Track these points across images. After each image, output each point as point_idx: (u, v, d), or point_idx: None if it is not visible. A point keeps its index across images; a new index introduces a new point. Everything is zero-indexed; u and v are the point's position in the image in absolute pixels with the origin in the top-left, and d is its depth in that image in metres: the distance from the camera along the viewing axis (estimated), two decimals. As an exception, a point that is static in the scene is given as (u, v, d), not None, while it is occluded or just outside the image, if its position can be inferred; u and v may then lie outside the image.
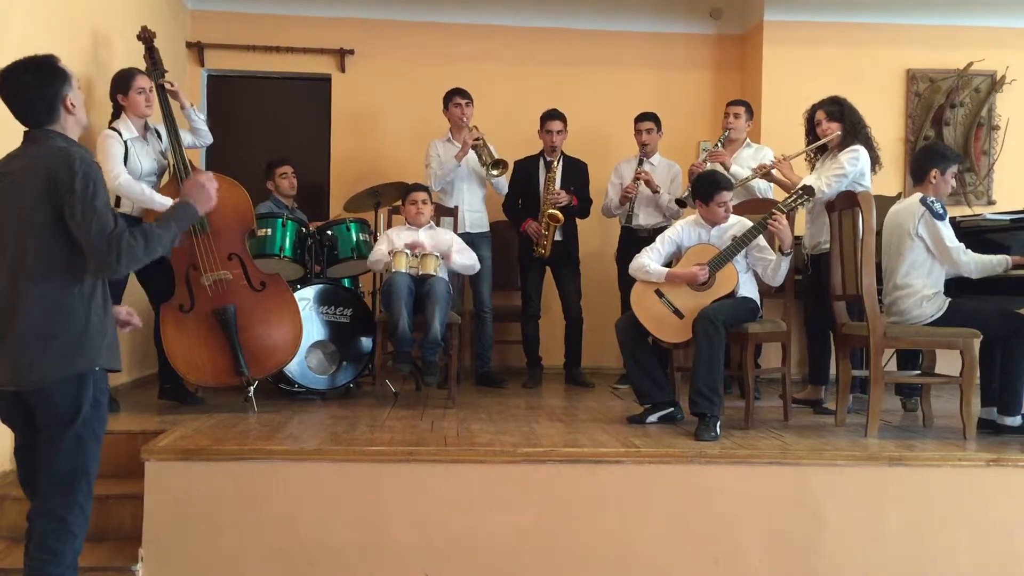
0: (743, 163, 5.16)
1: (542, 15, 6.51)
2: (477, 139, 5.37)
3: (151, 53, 4.57)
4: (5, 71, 2.54)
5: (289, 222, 4.91)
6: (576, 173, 5.61)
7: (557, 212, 5.39)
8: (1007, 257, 3.96)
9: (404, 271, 4.60)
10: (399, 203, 5.16)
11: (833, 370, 4.42)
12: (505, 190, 5.63)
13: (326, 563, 3.42)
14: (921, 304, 3.98)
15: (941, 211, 3.97)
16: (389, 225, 5.28)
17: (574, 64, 6.52)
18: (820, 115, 4.67)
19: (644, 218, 5.51)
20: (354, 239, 5.04)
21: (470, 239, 5.31)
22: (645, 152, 5.58)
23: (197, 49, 6.28)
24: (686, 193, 5.15)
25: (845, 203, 4.16)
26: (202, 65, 6.32)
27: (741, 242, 4.13)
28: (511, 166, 5.58)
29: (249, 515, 3.41)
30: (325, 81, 6.45)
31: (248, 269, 4.41)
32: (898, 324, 4.01)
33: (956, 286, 4.12)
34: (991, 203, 6.33)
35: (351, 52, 6.40)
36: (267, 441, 3.64)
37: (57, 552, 2.50)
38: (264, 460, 3.47)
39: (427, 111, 5.79)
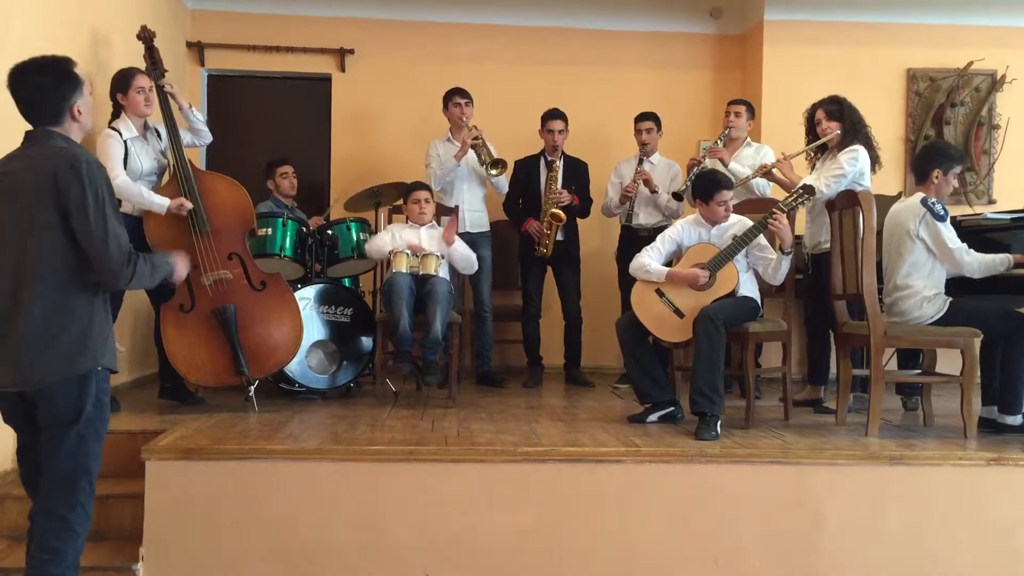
0: (744, 162, 5.16)
1: (542, 15, 6.51)
2: (476, 139, 5.37)
3: (151, 53, 4.56)
4: (18, 68, 2.53)
5: (290, 221, 4.91)
6: (576, 173, 5.60)
7: (560, 212, 5.39)
8: (1009, 256, 3.96)
9: (405, 271, 4.60)
10: (399, 202, 5.16)
11: (833, 369, 4.42)
12: (505, 189, 5.62)
13: (326, 562, 3.42)
14: (921, 305, 3.98)
15: (942, 212, 3.96)
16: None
17: (574, 64, 6.52)
18: (820, 114, 4.67)
19: (644, 217, 5.51)
20: (354, 238, 5.04)
21: (470, 239, 5.31)
22: (645, 152, 5.58)
23: (197, 49, 6.28)
24: (683, 187, 5.15)
25: (846, 202, 4.16)
26: (202, 65, 6.32)
27: (741, 241, 4.13)
28: (511, 166, 5.58)
29: (249, 515, 3.41)
30: (325, 81, 6.45)
31: (248, 269, 4.41)
32: (898, 324, 4.01)
33: (956, 285, 4.12)
34: (991, 202, 6.33)
35: (351, 52, 6.40)
36: (267, 441, 3.64)
37: (59, 551, 2.50)
38: (264, 460, 3.47)
39: (427, 111, 5.79)
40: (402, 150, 6.18)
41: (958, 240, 3.96)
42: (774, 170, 4.82)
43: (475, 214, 5.59)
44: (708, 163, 5.11)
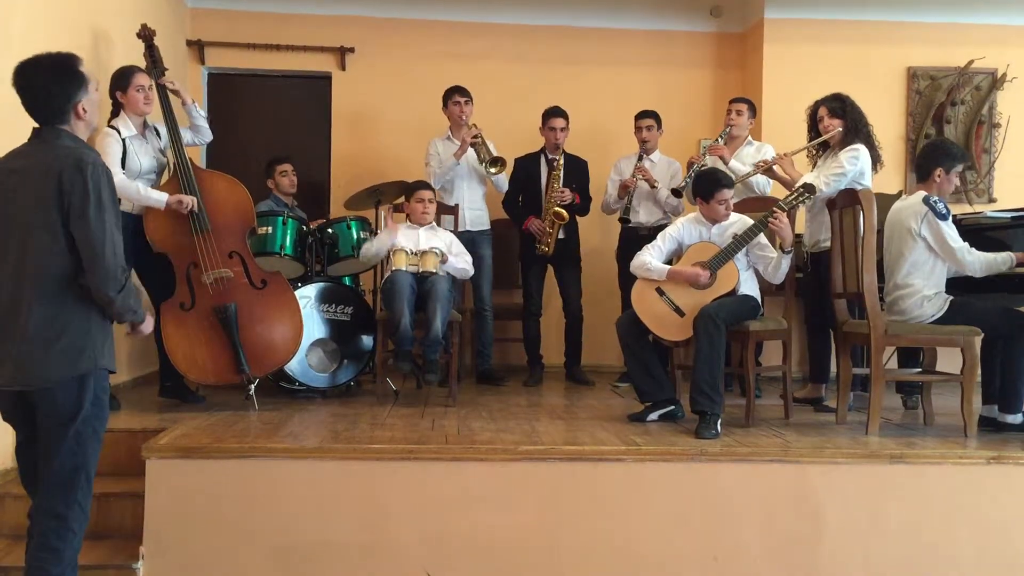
0: (745, 161, 5.15)
1: (542, 13, 6.51)
2: (475, 137, 5.37)
3: (151, 51, 4.57)
4: (23, 64, 2.53)
5: (290, 220, 4.91)
6: (576, 171, 5.60)
7: (562, 210, 5.38)
8: (1011, 255, 3.95)
9: (405, 269, 4.60)
10: (400, 201, 5.16)
11: (834, 368, 4.42)
12: (505, 187, 5.62)
13: (327, 561, 3.42)
14: (922, 304, 3.98)
15: (944, 211, 3.96)
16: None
17: (575, 62, 6.51)
18: (822, 111, 4.67)
19: (644, 215, 5.50)
20: (355, 237, 5.03)
21: (470, 237, 5.31)
22: (645, 149, 5.58)
23: (197, 47, 6.28)
24: (683, 184, 5.15)
25: (846, 201, 4.16)
26: (202, 63, 6.32)
27: (742, 240, 4.13)
28: (510, 164, 5.58)
29: (250, 513, 3.42)
30: (325, 79, 6.44)
31: (249, 267, 4.41)
32: (899, 322, 4.01)
33: (957, 285, 4.12)
34: (992, 201, 6.32)
35: (351, 50, 6.39)
36: (268, 439, 3.64)
37: (57, 550, 2.50)
38: (265, 458, 3.47)
39: (427, 109, 5.79)
40: (402, 149, 6.17)
41: (960, 239, 3.95)
42: (775, 167, 4.82)
43: (475, 212, 5.59)
44: (708, 161, 5.11)
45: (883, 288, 4.13)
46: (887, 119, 6.13)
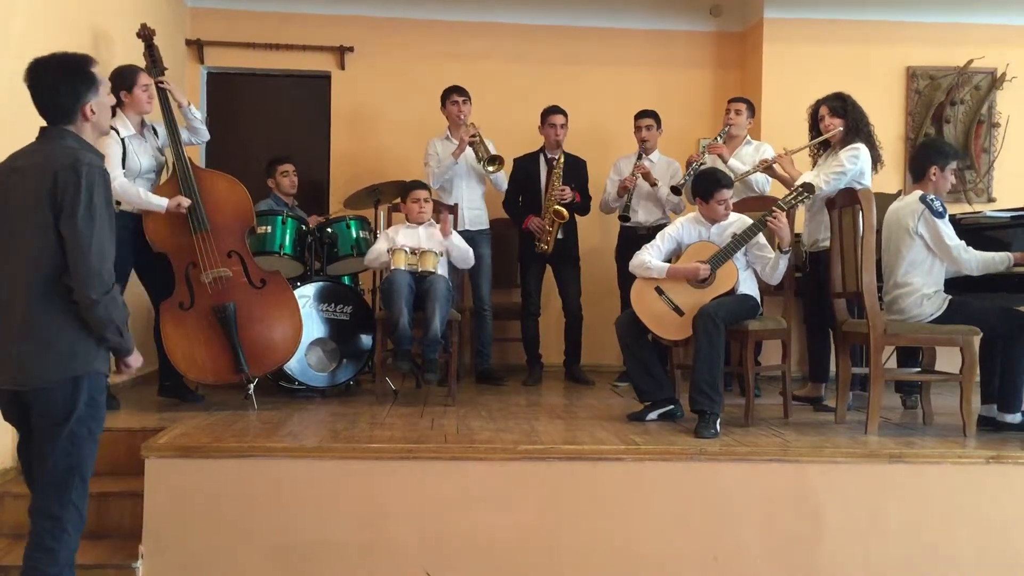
0: (744, 160, 5.15)
1: (542, 13, 6.50)
2: (473, 136, 5.37)
3: (151, 51, 4.56)
4: (35, 62, 2.52)
5: (289, 219, 4.91)
6: (576, 170, 5.60)
7: (562, 209, 5.38)
8: (1009, 255, 3.95)
9: (404, 269, 4.60)
10: (398, 201, 5.16)
11: (833, 367, 4.42)
12: (504, 186, 5.62)
13: (326, 560, 3.42)
14: (921, 303, 3.98)
15: (941, 209, 3.96)
16: (389, 223, 5.28)
17: (574, 62, 6.51)
18: (823, 111, 4.67)
19: (643, 215, 5.51)
20: (354, 236, 5.04)
21: (469, 236, 5.31)
22: (645, 149, 5.58)
23: (197, 46, 6.27)
24: (682, 182, 5.15)
25: (845, 200, 4.16)
26: (202, 62, 6.32)
27: (741, 239, 4.13)
28: (509, 164, 5.58)
29: (249, 512, 3.42)
30: (325, 79, 6.44)
31: (248, 266, 4.41)
32: (898, 322, 4.01)
33: (956, 285, 4.12)
34: (991, 200, 6.33)
35: (351, 50, 6.39)
36: (267, 438, 3.64)
37: (52, 551, 2.50)
38: (264, 457, 3.47)
39: (427, 109, 5.78)
40: (402, 148, 6.17)
41: (956, 237, 3.96)
42: (775, 165, 4.82)
43: (474, 212, 5.59)
44: (707, 159, 5.11)
45: (882, 288, 4.13)
46: (886, 119, 6.13)
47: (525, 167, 5.65)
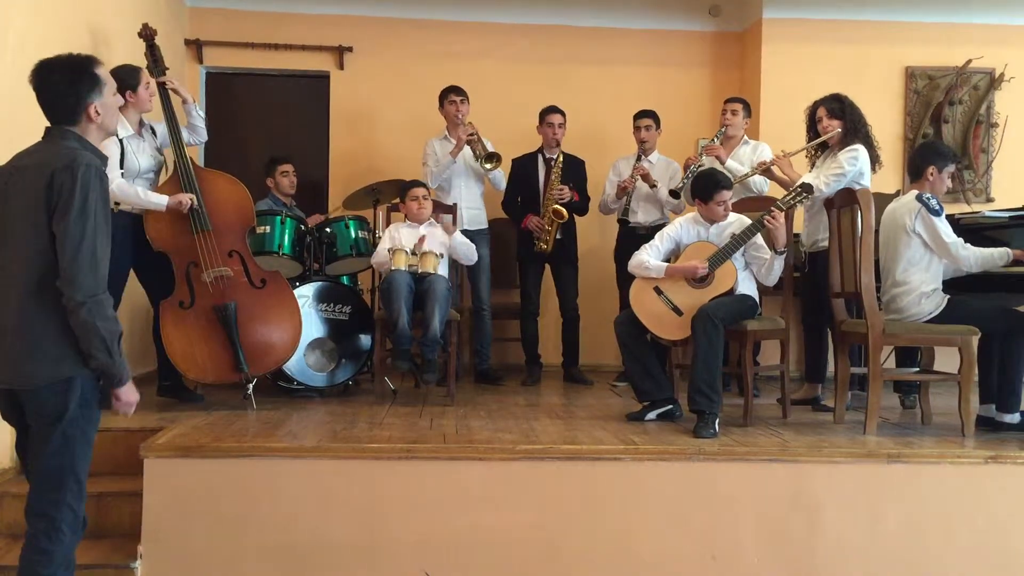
0: (741, 160, 5.15)
1: (541, 12, 6.51)
2: (471, 134, 5.37)
3: (152, 51, 4.56)
4: (41, 63, 2.52)
5: (288, 219, 4.91)
6: (574, 170, 5.61)
7: (561, 208, 5.38)
8: (1008, 250, 3.95)
9: (403, 269, 4.60)
10: (397, 200, 5.16)
11: (831, 367, 4.42)
12: (503, 186, 5.62)
13: (325, 560, 3.42)
14: (919, 301, 3.98)
15: (937, 207, 3.97)
16: (388, 222, 5.27)
17: (573, 61, 6.52)
18: (821, 112, 4.67)
19: (642, 215, 5.51)
20: (353, 236, 5.04)
21: (468, 236, 5.30)
22: (644, 149, 5.59)
23: (196, 46, 6.28)
24: (681, 185, 5.15)
25: (844, 201, 4.17)
26: (201, 62, 6.32)
27: (740, 240, 4.14)
28: (507, 164, 5.57)
29: (248, 512, 3.42)
30: (324, 78, 6.45)
31: (248, 266, 4.41)
32: (897, 321, 4.02)
33: (954, 284, 4.12)
34: (990, 200, 6.33)
35: (350, 49, 6.39)
36: (266, 438, 3.64)
37: (47, 552, 2.49)
38: (263, 457, 3.47)
39: (426, 109, 5.78)
40: (401, 148, 6.17)
41: (954, 234, 3.96)
42: (773, 167, 4.82)
43: (473, 211, 5.59)
44: (705, 161, 5.11)
45: (879, 288, 4.13)
46: (885, 119, 6.14)
47: (523, 167, 5.65)
